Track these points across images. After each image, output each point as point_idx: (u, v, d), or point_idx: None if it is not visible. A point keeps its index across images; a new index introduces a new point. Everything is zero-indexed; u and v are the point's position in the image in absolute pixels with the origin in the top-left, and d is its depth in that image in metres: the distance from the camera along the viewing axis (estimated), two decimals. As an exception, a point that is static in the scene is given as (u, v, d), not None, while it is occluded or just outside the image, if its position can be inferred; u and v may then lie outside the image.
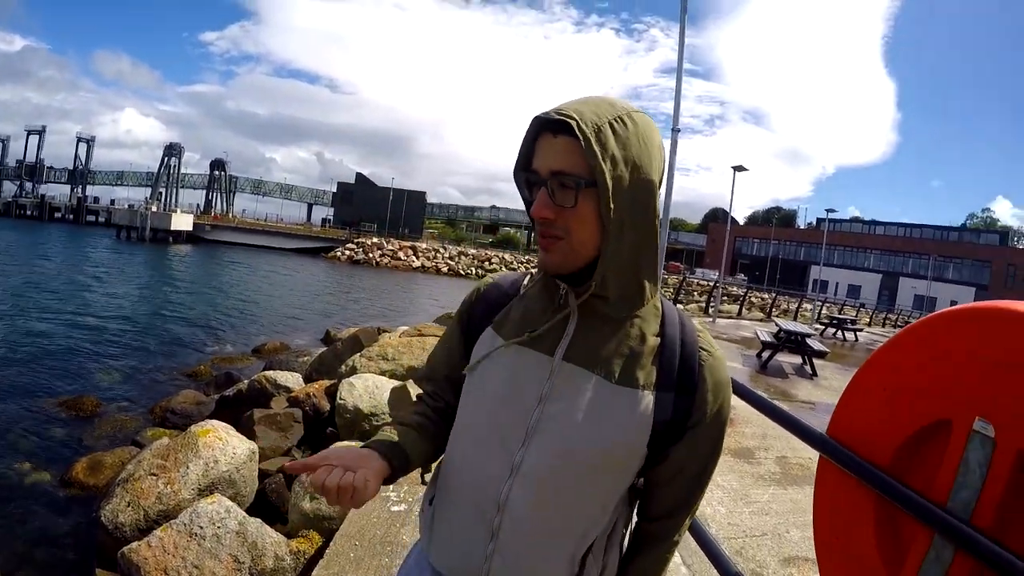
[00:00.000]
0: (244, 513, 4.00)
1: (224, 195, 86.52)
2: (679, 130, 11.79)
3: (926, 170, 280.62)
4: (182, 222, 63.35)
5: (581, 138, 0.86)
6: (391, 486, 4.02)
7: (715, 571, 1.90)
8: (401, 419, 1.12)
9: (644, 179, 0.91)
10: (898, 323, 37.52)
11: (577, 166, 0.88)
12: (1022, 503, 1.00)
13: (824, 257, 49.96)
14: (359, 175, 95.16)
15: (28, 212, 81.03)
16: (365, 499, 0.90)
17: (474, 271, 60.81)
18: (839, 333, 19.45)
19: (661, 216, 1.02)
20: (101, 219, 78.45)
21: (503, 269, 57.53)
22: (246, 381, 8.21)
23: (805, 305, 30.42)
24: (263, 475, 5.19)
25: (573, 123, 0.86)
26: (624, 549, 1.07)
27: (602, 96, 0.95)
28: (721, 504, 3.97)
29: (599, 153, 0.86)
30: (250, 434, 5.74)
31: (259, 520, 3.97)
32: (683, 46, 11.66)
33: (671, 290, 23.29)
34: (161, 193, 74.50)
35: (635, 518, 1.09)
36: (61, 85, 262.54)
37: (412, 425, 1.10)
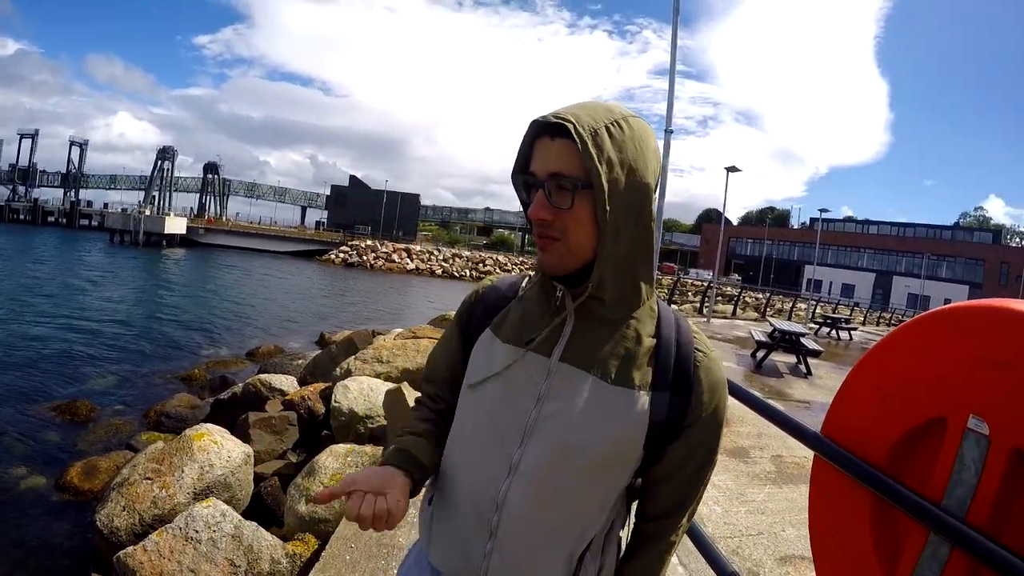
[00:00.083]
0: (240, 516, 3.99)
1: (218, 198, 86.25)
2: (672, 131, 11.81)
3: (919, 169, 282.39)
4: (176, 225, 63.06)
5: (578, 141, 0.87)
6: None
7: (711, 570, 1.90)
8: (410, 428, 1.13)
9: (640, 182, 0.93)
10: (892, 322, 37.63)
11: (574, 168, 0.90)
12: (1017, 500, 1.00)
13: (818, 257, 50.14)
14: (353, 178, 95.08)
15: (21, 216, 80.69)
16: (398, 521, 0.91)
17: (468, 273, 60.69)
18: (833, 332, 19.50)
19: (656, 219, 1.02)
20: (94, 223, 77.99)
21: (497, 271, 57.83)
22: (241, 384, 8.18)
23: (799, 305, 30.41)
24: (258, 478, 5.18)
25: (570, 126, 0.88)
26: (622, 549, 1.08)
27: (599, 101, 0.96)
28: (717, 503, 3.98)
29: (595, 156, 0.87)
30: (245, 437, 5.72)
31: (255, 523, 3.96)
32: (676, 47, 11.69)
33: (665, 291, 23.29)
34: (154, 197, 74.30)
35: (633, 519, 1.10)
36: (54, 89, 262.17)
37: (422, 433, 1.11)
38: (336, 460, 4.38)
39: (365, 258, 61.06)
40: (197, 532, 3.71)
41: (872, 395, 1.27)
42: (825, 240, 66.58)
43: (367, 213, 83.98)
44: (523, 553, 0.98)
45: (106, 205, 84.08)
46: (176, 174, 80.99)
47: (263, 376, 8.09)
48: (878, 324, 35.78)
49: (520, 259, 71.34)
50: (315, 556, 3.59)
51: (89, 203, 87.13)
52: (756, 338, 10.50)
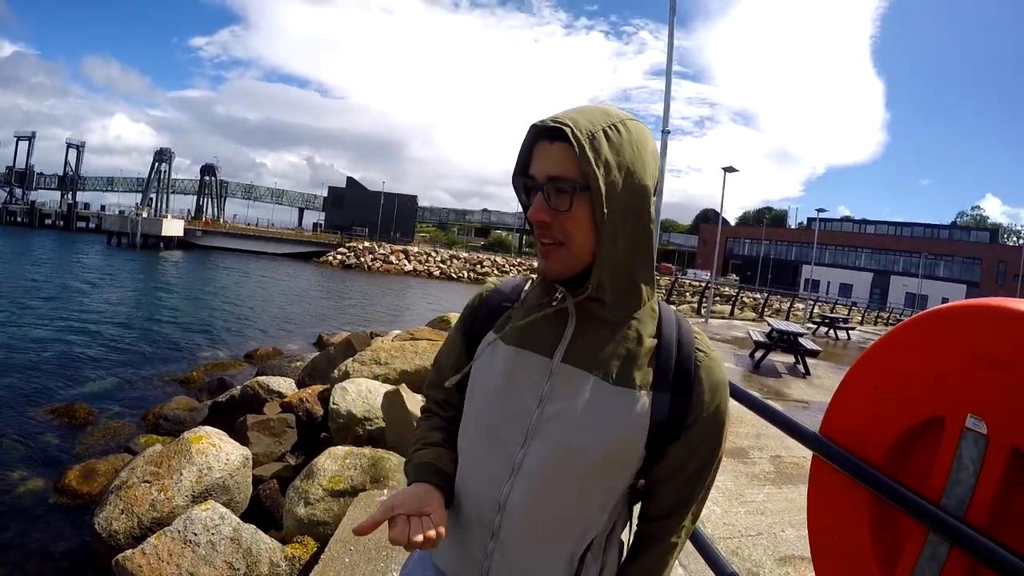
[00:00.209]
0: (238, 519, 3.98)
1: (215, 200, 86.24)
2: (669, 132, 11.85)
3: (915, 169, 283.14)
4: (173, 228, 63.00)
5: (575, 144, 0.88)
6: (385, 489, 4.02)
7: (711, 571, 1.90)
8: (426, 439, 1.14)
9: (638, 184, 0.94)
10: (890, 321, 37.68)
11: (572, 171, 0.91)
12: (1016, 499, 1.00)
13: (815, 256, 50.26)
14: (350, 179, 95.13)
15: (18, 219, 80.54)
16: (445, 537, 0.92)
17: (466, 274, 60.62)
18: (831, 332, 19.54)
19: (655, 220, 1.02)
20: (92, 225, 77.90)
21: (495, 272, 57.73)
22: (239, 387, 8.16)
23: (797, 304, 30.49)
24: (257, 481, 5.17)
25: (567, 130, 0.89)
26: (624, 551, 1.09)
27: (598, 105, 0.97)
28: (716, 504, 3.98)
29: (592, 159, 0.89)
30: (243, 440, 5.71)
31: (253, 526, 3.95)
32: (672, 48, 11.71)
33: (663, 291, 23.34)
34: (152, 199, 74.27)
35: (635, 521, 1.10)
36: (51, 91, 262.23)
37: (439, 443, 1.12)
38: (335, 462, 4.37)
39: (363, 260, 61.01)
40: (196, 535, 3.70)
41: (870, 395, 1.27)
42: (822, 240, 66.73)
43: (364, 215, 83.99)
44: (525, 553, 0.99)
45: (103, 207, 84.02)
46: (173, 176, 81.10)
47: (261, 378, 8.07)
48: (876, 323, 35.83)
49: (518, 260, 71.33)
50: (314, 559, 3.58)
51: (86, 205, 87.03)
52: (754, 338, 10.52)
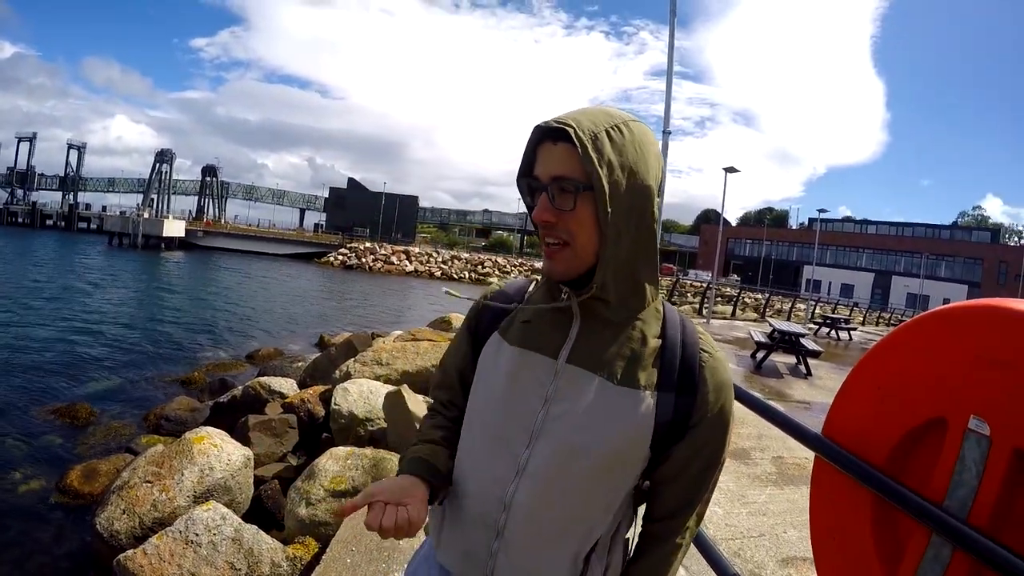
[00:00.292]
0: (240, 520, 3.99)
1: (216, 201, 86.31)
2: (670, 132, 11.84)
3: (916, 169, 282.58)
4: (174, 228, 63.04)
5: (578, 145, 0.89)
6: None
7: (713, 573, 1.90)
8: (426, 436, 1.15)
9: (641, 184, 0.94)
10: (891, 321, 37.64)
11: (575, 171, 0.92)
12: (1019, 501, 1.00)
13: (817, 257, 50.26)
14: (351, 180, 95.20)
15: (19, 219, 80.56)
16: (419, 529, 0.94)
17: (467, 275, 60.66)
18: (833, 332, 19.52)
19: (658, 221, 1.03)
20: (93, 226, 77.85)
21: (496, 272, 57.58)
22: (240, 387, 8.16)
23: (799, 305, 30.43)
24: (258, 481, 5.17)
25: (571, 131, 0.90)
26: (629, 552, 1.10)
27: (601, 106, 0.98)
28: (718, 505, 3.97)
29: (595, 158, 0.89)
30: (245, 440, 5.72)
31: (255, 527, 3.95)
32: (673, 49, 11.71)
33: (664, 292, 23.32)
34: (153, 199, 74.26)
35: (640, 521, 1.11)
36: (51, 92, 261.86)
37: (438, 441, 1.13)
38: (336, 463, 4.37)
39: (364, 260, 61.01)
40: (197, 535, 3.70)
41: (872, 396, 1.27)
42: (824, 240, 66.63)
43: (366, 215, 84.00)
44: (529, 553, 1.00)
45: (104, 208, 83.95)
46: (174, 177, 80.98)
47: (263, 379, 8.08)
48: (877, 324, 35.80)
49: (519, 260, 71.31)
50: (315, 559, 3.58)
51: (87, 206, 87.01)
52: (756, 339, 10.51)
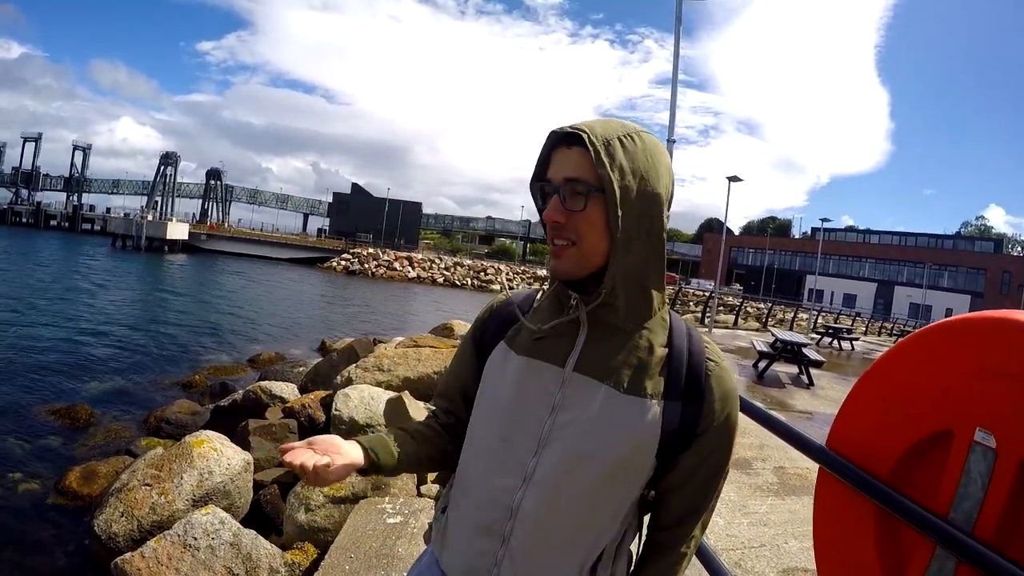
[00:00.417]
0: (239, 524, 3.98)
1: (220, 204, 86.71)
2: (675, 141, 11.89)
3: (920, 179, 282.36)
4: (178, 231, 63.19)
5: (591, 148, 0.92)
6: (386, 496, 4.01)
7: (714, 583, 1.88)
8: (407, 426, 1.18)
9: (651, 192, 0.96)
10: (894, 331, 37.59)
11: (588, 174, 0.94)
12: (1025, 514, 0.99)
13: (819, 266, 50.14)
14: (355, 185, 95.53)
15: (24, 219, 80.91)
16: (325, 482, 0.98)
17: (470, 282, 60.67)
18: (835, 342, 19.47)
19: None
20: (97, 227, 78.09)
21: (499, 279, 57.50)
22: (241, 391, 8.17)
23: (801, 315, 30.45)
24: (258, 486, 5.16)
25: (584, 135, 0.93)
26: (633, 563, 1.10)
27: (613, 118, 1.01)
28: (719, 515, 3.95)
29: (607, 163, 0.92)
30: (245, 445, 5.70)
31: (254, 532, 3.94)
32: (678, 57, 11.75)
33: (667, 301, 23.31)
34: (157, 202, 74.85)
35: (645, 531, 1.11)
36: (58, 93, 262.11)
37: (409, 430, 1.16)
38: (336, 468, 4.36)
39: (367, 266, 61.05)
40: (195, 539, 3.69)
41: (878, 407, 1.26)
42: (827, 250, 66.75)
43: (369, 221, 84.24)
44: (535, 561, 1.00)
45: (108, 210, 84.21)
46: (179, 180, 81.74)
47: (264, 383, 8.08)
48: (880, 334, 35.76)
49: (522, 268, 71.37)
50: (314, 565, 3.58)
51: (91, 207, 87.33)
52: (758, 348, 10.50)
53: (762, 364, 10.35)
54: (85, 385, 10.17)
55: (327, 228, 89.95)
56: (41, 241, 56.04)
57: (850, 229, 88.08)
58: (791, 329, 23.04)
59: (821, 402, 8.68)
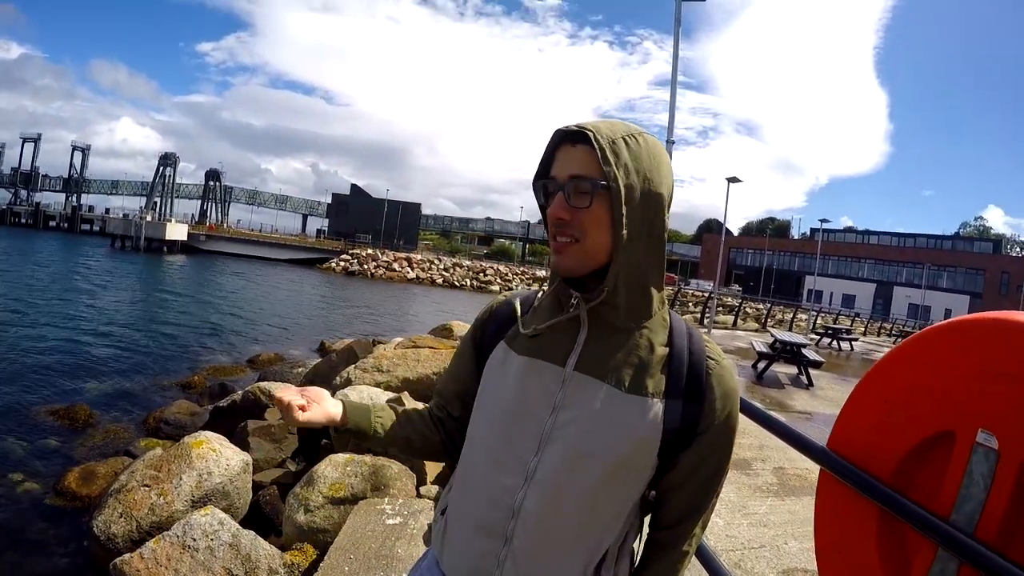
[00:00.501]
0: (238, 525, 3.97)
1: (219, 205, 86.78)
2: (674, 142, 11.88)
3: (918, 179, 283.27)
4: (177, 232, 63.16)
5: (597, 147, 0.93)
6: (385, 497, 4.00)
7: (714, 584, 1.88)
8: (395, 406, 1.24)
9: (654, 192, 0.97)
10: (893, 332, 37.57)
11: (593, 172, 0.95)
12: (1027, 516, 0.99)
13: (818, 267, 50.16)
14: (354, 186, 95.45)
15: (23, 220, 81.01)
16: (297, 422, 1.07)
17: (469, 283, 60.62)
18: (834, 343, 19.48)
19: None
20: (96, 228, 78.19)
21: (498, 280, 57.49)
22: (240, 392, 8.14)
23: (800, 315, 30.46)
24: (257, 487, 5.15)
25: (590, 134, 0.94)
26: (635, 562, 1.10)
27: (615, 119, 1.02)
28: (719, 516, 3.95)
29: (612, 160, 0.93)
30: (244, 445, 5.70)
31: (253, 532, 3.93)
32: (677, 58, 11.74)
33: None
34: (156, 203, 74.88)
35: (646, 530, 1.12)
36: (57, 93, 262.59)
37: (398, 411, 1.23)
38: (335, 469, 4.35)
39: (366, 267, 61.02)
40: (194, 540, 3.69)
41: (879, 409, 1.26)
42: (826, 251, 66.81)
43: (368, 222, 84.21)
44: (538, 562, 1.00)
45: (108, 210, 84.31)
46: (178, 180, 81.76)
47: (263, 384, 8.06)
48: (879, 335, 35.76)
49: (521, 269, 71.35)
50: (313, 566, 3.57)
51: (91, 208, 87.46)
52: (757, 349, 10.50)
53: (761, 365, 10.35)
54: (84, 385, 10.17)
55: (326, 229, 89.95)
56: (40, 242, 56.03)
57: (849, 230, 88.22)
58: (790, 330, 23.04)
59: (820, 402, 8.68)
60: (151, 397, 9.87)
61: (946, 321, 1.20)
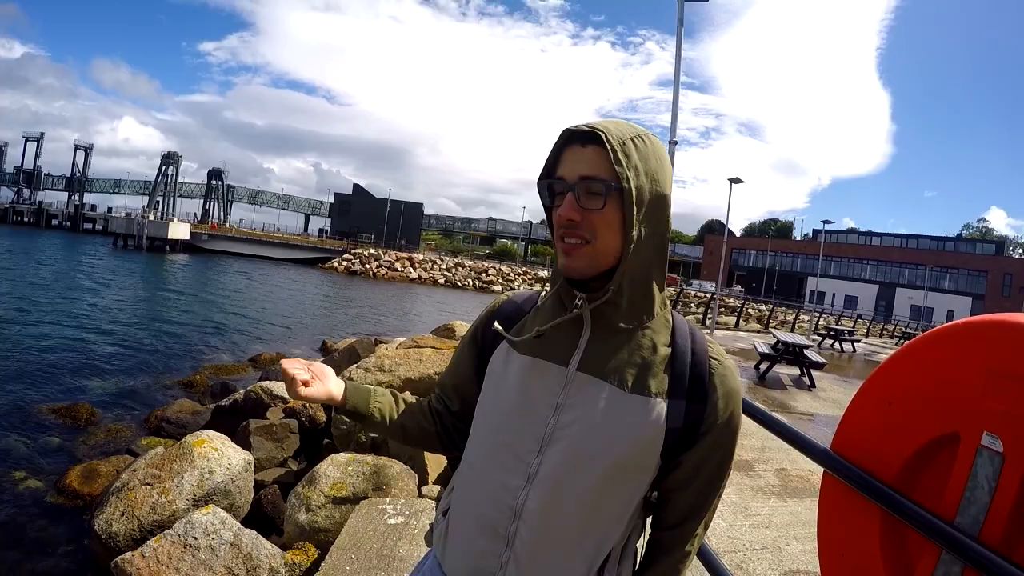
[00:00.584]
0: (239, 524, 3.97)
1: (221, 205, 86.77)
2: (676, 142, 11.86)
3: (921, 181, 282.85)
4: (179, 231, 63.14)
5: (609, 148, 0.93)
6: (387, 497, 4.00)
7: (716, 586, 1.87)
8: (396, 392, 1.26)
9: (660, 192, 0.98)
10: (895, 334, 37.49)
11: (605, 173, 0.94)
12: (1032, 519, 0.98)
13: (821, 268, 50.04)
14: (356, 186, 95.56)
15: (25, 219, 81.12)
16: (295, 392, 1.09)
17: (471, 282, 60.64)
18: (837, 344, 19.44)
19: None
20: (98, 227, 78.22)
21: (500, 280, 57.48)
22: (242, 391, 8.16)
23: (802, 316, 30.44)
24: (258, 486, 5.16)
25: (602, 134, 0.93)
26: (638, 563, 1.10)
27: (619, 120, 1.02)
28: (721, 518, 3.94)
29: (624, 162, 0.93)
30: (245, 444, 5.70)
31: (254, 532, 3.93)
32: (680, 58, 11.73)
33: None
34: (158, 202, 74.86)
35: (648, 531, 1.11)
36: (60, 93, 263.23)
37: (399, 397, 1.25)
38: (337, 469, 4.35)
39: (368, 266, 61.00)
40: (196, 539, 3.69)
41: (883, 411, 1.25)
42: (828, 252, 66.74)
43: (370, 221, 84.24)
44: (540, 564, 0.99)
45: (110, 209, 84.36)
46: (180, 180, 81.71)
47: (265, 383, 8.06)
48: (881, 336, 35.72)
49: (523, 269, 71.32)
50: (314, 566, 3.57)
51: (93, 207, 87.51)
52: (759, 350, 10.47)
53: (763, 366, 10.32)
54: (86, 384, 10.18)
55: (328, 228, 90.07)
56: (43, 241, 56.08)
57: (851, 231, 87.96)
58: (792, 331, 23.01)
59: (823, 404, 8.66)
60: (153, 396, 9.88)
61: (950, 323, 1.20)
